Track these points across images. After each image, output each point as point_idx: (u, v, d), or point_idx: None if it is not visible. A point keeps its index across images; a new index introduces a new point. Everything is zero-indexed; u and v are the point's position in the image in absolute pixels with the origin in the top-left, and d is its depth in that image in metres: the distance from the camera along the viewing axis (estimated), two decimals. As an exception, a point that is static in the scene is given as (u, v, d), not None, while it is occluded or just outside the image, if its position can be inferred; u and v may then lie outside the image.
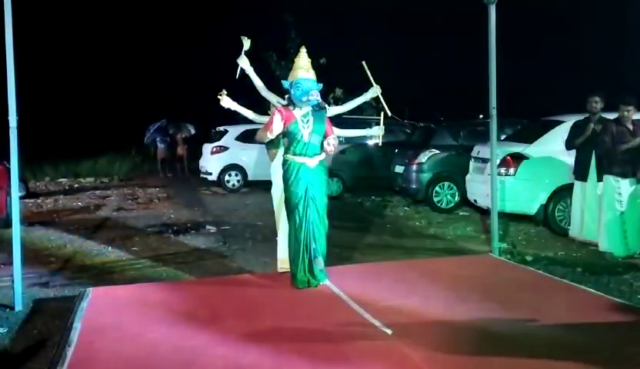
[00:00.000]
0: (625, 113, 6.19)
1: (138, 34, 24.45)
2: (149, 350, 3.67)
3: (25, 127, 5.03)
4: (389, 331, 3.86)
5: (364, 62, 5.34)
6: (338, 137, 5.20)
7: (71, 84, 23.84)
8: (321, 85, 5.00)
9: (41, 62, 21.24)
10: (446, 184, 9.73)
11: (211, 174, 13.45)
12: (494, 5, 5.97)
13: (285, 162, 4.97)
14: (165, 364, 3.48)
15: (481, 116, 13.87)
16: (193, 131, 17.77)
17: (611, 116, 6.48)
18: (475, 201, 8.71)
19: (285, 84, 4.99)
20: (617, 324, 4.08)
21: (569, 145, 6.93)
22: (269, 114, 5.11)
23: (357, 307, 4.38)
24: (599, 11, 18.99)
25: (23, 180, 11.30)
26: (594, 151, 6.58)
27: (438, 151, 9.93)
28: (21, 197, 5.24)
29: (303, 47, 5.10)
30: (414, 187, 9.98)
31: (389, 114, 5.38)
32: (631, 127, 6.22)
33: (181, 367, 3.43)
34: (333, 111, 5.38)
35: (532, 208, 7.73)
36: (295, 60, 5.06)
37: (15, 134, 4.67)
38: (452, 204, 9.68)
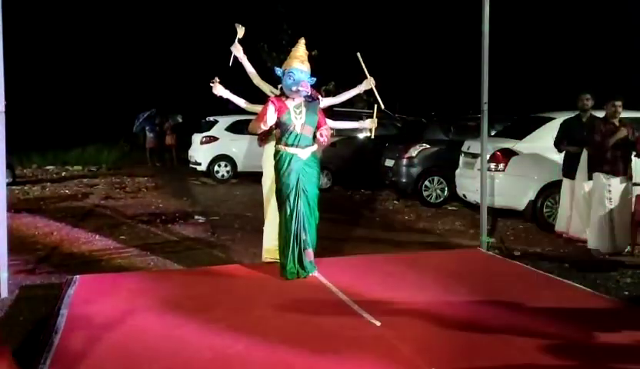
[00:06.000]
0: (618, 109, 6.21)
1: (128, 23, 24.23)
2: (136, 339, 3.65)
3: (13, 113, 4.97)
4: (378, 323, 3.87)
5: (359, 54, 5.31)
6: (330, 129, 5.18)
7: (61, 71, 23.59)
8: (314, 79, 4.97)
9: (30, 49, 21.01)
10: (436, 178, 9.76)
11: (200, 164, 13.38)
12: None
13: (276, 153, 4.94)
14: (152, 352, 3.46)
15: (471, 111, 13.90)
16: (180, 120, 17.67)
17: (601, 114, 6.52)
18: (465, 195, 8.74)
19: (278, 71, 4.95)
20: (604, 319, 4.12)
21: (556, 145, 6.97)
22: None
23: (346, 298, 4.39)
24: (596, 9, 19.09)
25: (10, 166, 11.17)
26: (584, 150, 6.61)
27: (428, 146, 9.96)
28: (7, 184, 5.17)
29: (302, 38, 5.08)
30: (404, 181, 9.99)
31: (382, 106, 5.36)
32: (618, 124, 6.26)
33: (169, 356, 3.41)
34: (326, 102, 5.36)
35: (521, 204, 7.77)
36: (292, 50, 5.04)
37: (3, 119, 4.60)
38: (441, 199, 9.72)
